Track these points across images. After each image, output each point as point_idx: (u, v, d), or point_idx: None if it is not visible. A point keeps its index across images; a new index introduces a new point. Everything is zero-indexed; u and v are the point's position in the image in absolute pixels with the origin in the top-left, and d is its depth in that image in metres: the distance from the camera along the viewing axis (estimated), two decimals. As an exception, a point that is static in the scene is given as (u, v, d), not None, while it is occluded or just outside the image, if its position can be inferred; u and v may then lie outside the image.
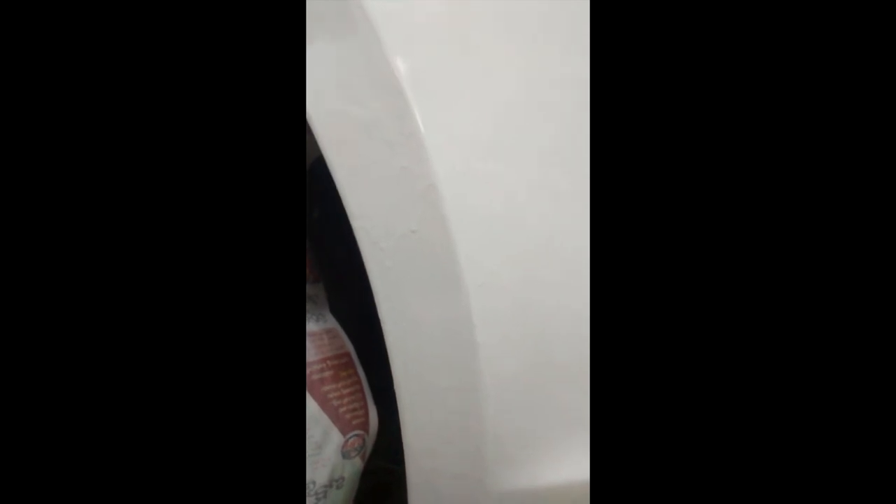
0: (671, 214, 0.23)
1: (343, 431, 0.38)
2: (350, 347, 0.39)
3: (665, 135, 0.23)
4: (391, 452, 0.41)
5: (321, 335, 0.38)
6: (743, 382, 0.23)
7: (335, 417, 0.37)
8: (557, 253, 0.30)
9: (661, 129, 0.23)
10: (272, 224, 0.24)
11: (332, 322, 0.39)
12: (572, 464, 0.32)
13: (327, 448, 0.37)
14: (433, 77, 0.30)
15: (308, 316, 0.38)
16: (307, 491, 0.37)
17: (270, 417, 0.23)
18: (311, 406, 0.36)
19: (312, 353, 0.37)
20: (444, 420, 0.33)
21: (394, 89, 0.29)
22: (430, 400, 0.33)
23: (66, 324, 0.22)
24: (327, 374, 0.37)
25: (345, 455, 0.38)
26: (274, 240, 0.24)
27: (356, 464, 0.39)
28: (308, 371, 0.37)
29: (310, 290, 0.38)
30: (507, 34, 0.33)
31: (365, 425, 0.38)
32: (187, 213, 0.23)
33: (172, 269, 0.23)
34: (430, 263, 0.30)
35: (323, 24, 0.31)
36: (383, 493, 0.44)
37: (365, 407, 0.39)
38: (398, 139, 0.29)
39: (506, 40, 0.33)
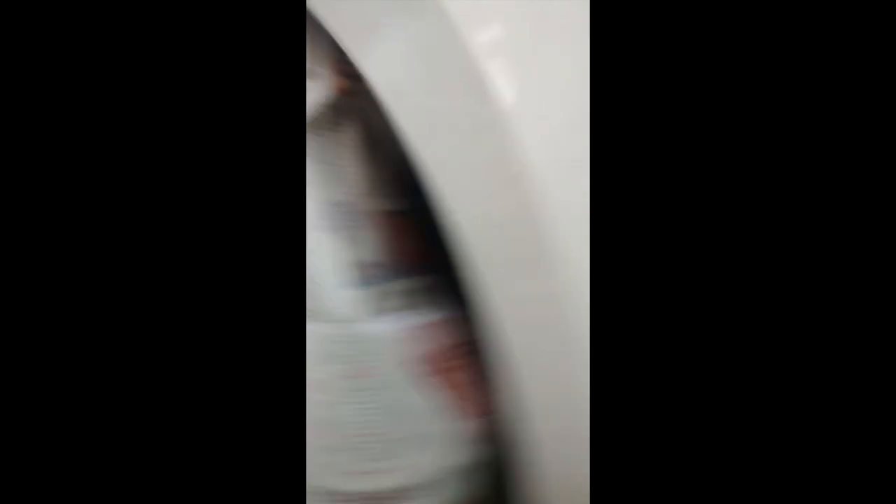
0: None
1: (468, 419, 0.38)
2: (473, 334, 0.39)
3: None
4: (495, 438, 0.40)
5: (441, 324, 0.38)
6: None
7: (461, 405, 0.38)
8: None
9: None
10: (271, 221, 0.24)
11: (451, 311, 0.39)
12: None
13: (452, 436, 0.38)
14: (514, 58, 0.29)
15: (430, 307, 0.39)
16: (434, 477, 0.37)
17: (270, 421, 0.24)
18: (441, 395, 0.37)
19: (439, 341, 0.37)
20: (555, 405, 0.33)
21: (473, 74, 0.29)
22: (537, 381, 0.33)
23: (57, 325, 0.23)
24: (454, 362, 0.38)
25: (469, 441, 0.38)
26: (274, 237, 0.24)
27: (480, 450, 0.39)
28: (437, 360, 0.37)
29: (425, 281, 0.39)
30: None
31: (488, 412, 0.39)
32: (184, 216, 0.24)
33: (170, 269, 0.23)
34: (527, 249, 0.30)
35: (395, 9, 0.31)
36: (495, 478, 0.43)
37: (489, 394, 0.39)
38: (482, 127, 0.29)
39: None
